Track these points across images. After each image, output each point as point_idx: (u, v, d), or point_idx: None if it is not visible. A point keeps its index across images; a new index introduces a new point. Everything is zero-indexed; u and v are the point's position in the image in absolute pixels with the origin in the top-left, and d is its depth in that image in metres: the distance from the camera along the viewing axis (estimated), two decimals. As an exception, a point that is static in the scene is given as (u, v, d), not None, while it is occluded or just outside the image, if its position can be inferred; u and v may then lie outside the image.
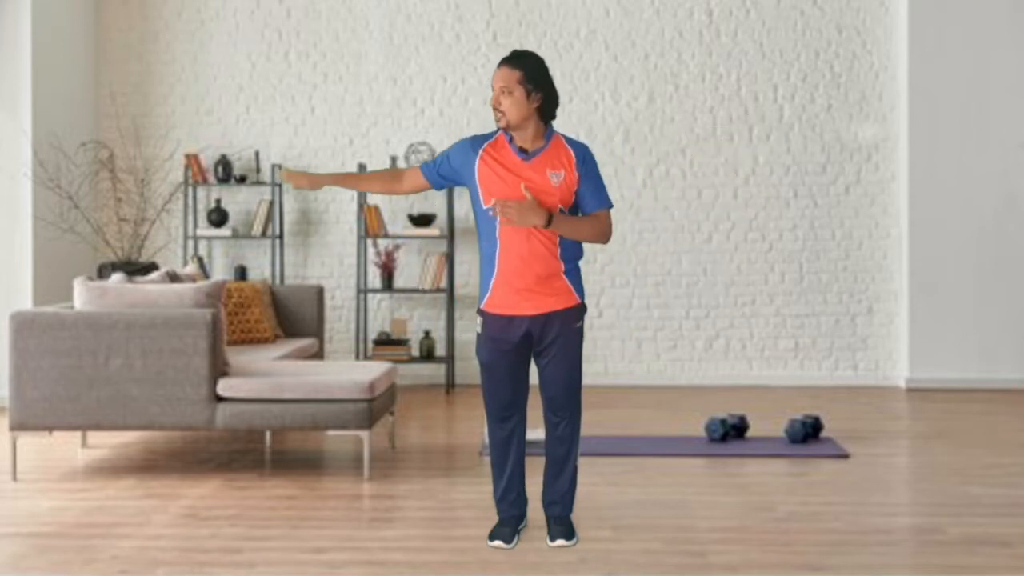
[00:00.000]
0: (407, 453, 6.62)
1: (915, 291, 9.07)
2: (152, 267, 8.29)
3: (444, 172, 4.73)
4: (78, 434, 6.91)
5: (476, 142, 4.68)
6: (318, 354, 8.01)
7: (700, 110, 9.33)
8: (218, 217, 9.19)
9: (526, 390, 4.80)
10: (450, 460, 6.54)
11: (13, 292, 8.20)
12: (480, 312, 4.73)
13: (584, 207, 4.67)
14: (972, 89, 9.04)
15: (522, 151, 4.62)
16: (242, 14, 9.42)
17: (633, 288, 9.35)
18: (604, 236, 4.66)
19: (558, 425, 4.78)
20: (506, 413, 4.76)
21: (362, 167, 9.06)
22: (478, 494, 5.49)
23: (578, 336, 4.72)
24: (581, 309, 4.72)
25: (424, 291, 9.02)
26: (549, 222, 4.49)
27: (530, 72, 4.59)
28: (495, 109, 4.58)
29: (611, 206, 4.70)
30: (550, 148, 4.65)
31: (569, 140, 4.71)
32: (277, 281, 9.21)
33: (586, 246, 4.95)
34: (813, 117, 9.31)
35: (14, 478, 5.88)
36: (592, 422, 7.14)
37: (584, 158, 4.66)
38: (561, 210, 4.60)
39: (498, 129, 4.69)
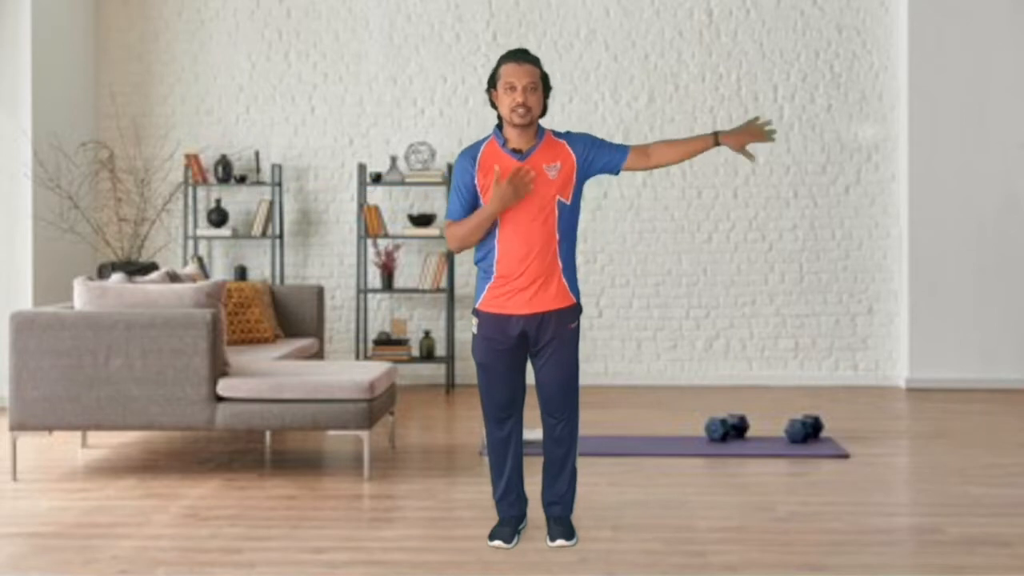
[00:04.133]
0: (407, 453, 6.62)
1: (915, 291, 9.06)
2: (152, 267, 8.29)
3: (467, 198, 4.65)
4: (78, 434, 6.91)
5: (471, 153, 4.67)
6: (318, 354, 8.01)
7: (700, 110, 9.33)
8: (218, 217, 9.19)
9: (523, 390, 4.80)
10: (450, 460, 6.54)
11: (13, 292, 8.20)
12: (476, 312, 4.73)
13: (615, 165, 4.70)
14: (972, 89, 9.04)
15: (516, 152, 4.63)
16: (242, 14, 9.42)
17: (633, 288, 9.35)
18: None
19: (556, 426, 4.78)
20: (503, 414, 4.76)
21: (362, 167, 9.05)
22: (478, 494, 5.49)
23: (574, 336, 4.72)
24: (576, 309, 4.72)
25: (424, 291, 9.02)
26: (716, 141, 4.72)
27: (541, 69, 4.68)
28: (521, 105, 4.58)
29: (628, 145, 4.77)
30: (543, 144, 4.67)
31: (557, 133, 4.73)
32: (277, 281, 9.21)
33: (583, 246, 4.97)
34: (813, 117, 9.31)
35: (14, 478, 5.88)
36: (592, 422, 7.14)
37: (581, 140, 4.70)
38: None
39: (488, 135, 4.71)
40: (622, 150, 4.72)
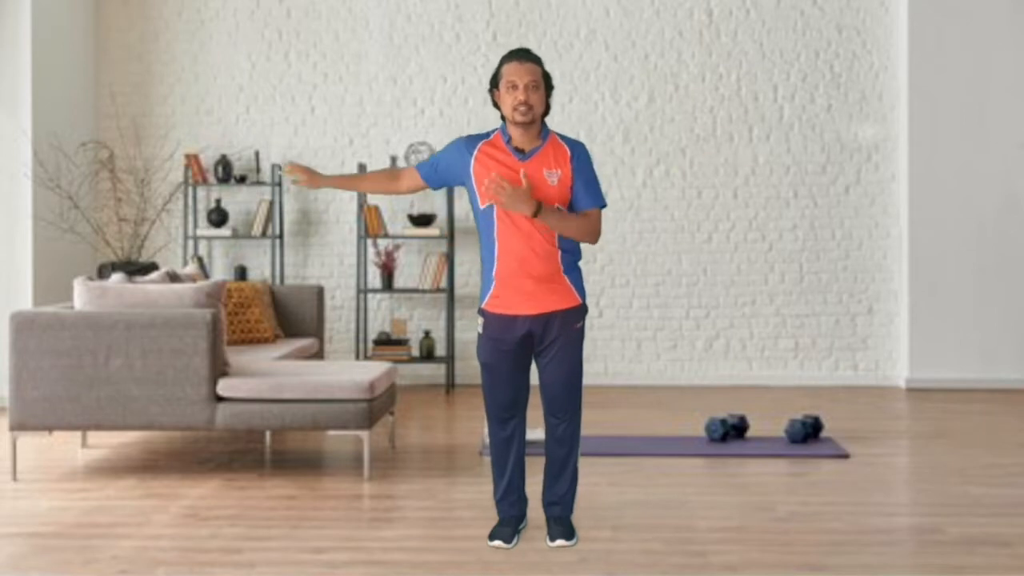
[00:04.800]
0: (407, 453, 6.62)
1: (915, 291, 9.07)
2: (152, 267, 8.29)
3: (440, 170, 4.75)
4: (78, 434, 6.91)
5: (471, 141, 4.69)
6: (318, 354, 8.01)
7: (700, 110, 9.33)
8: (218, 217, 9.19)
9: (527, 390, 4.80)
10: (450, 460, 6.54)
11: (13, 292, 8.20)
12: (481, 312, 4.73)
13: (576, 204, 4.66)
14: (972, 89, 9.04)
15: (519, 151, 4.63)
16: (242, 14, 9.42)
17: (633, 288, 9.35)
18: (593, 236, 4.65)
19: (558, 427, 4.77)
20: (506, 414, 4.76)
21: (362, 167, 9.06)
22: (478, 494, 5.49)
23: (579, 337, 4.72)
24: (582, 310, 4.72)
25: (424, 291, 9.03)
26: (537, 212, 4.49)
27: (543, 68, 4.67)
28: (523, 103, 4.58)
29: (604, 205, 4.70)
30: (547, 147, 4.66)
31: (564, 138, 4.72)
32: (277, 281, 9.21)
33: (584, 246, 4.98)
34: (813, 117, 9.31)
35: (14, 478, 5.88)
36: (592, 422, 7.14)
37: (578, 155, 4.67)
38: (559, 208, 4.60)
39: (494, 129, 4.71)
40: (591, 201, 4.63)
